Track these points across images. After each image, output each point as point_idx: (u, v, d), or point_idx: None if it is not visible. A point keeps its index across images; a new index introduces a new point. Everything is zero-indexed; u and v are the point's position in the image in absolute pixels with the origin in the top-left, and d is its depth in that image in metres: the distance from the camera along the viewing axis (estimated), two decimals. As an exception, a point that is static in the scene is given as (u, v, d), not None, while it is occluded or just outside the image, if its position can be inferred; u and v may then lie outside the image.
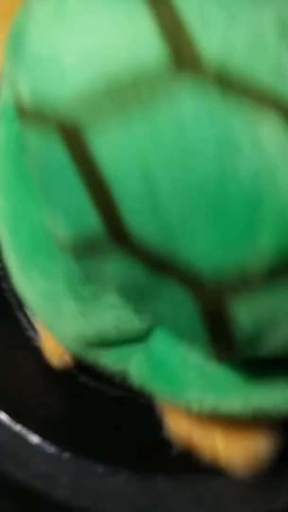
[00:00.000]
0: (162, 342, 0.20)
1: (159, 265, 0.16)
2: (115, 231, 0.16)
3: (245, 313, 0.17)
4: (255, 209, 0.15)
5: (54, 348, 0.25)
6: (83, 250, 0.18)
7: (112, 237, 0.17)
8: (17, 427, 0.25)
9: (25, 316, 0.28)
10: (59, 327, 0.21)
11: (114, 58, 0.15)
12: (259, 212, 0.15)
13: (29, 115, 0.17)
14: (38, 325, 0.26)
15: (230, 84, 0.15)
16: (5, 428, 0.25)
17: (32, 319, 0.28)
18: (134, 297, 0.19)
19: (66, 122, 0.16)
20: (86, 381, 0.27)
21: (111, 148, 0.15)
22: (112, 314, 0.20)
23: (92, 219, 0.17)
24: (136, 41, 0.15)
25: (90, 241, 0.17)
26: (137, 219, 0.16)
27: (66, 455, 0.25)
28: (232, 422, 0.21)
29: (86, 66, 0.15)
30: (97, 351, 0.21)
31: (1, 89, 0.21)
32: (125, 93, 0.15)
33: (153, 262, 0.16)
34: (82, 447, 0.25)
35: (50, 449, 0.25)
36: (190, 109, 0.15)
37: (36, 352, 0.26)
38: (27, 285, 0.21)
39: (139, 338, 0.21)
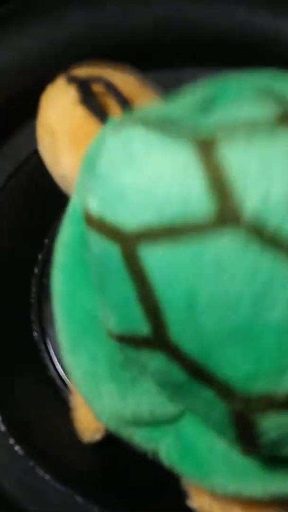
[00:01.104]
0: (191, 427, 0.22)
1: (196, 371, 0.19)
2: (159, 335, 0.19)
3: (270, 422, 0.19)
4: (283, 349, 0.18)
5: (88, 423, 0.27)
6: (128, 343, 0.21)
7: (155, 339, 0.19)
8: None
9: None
10: (97, 405, 0.23)
11: (169, 201, 0.18)
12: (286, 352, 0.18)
13: (94, 223, 0.20)
14: (74, 400, 0.28)
15: (267, 238, 0.17)
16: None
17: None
18: (170, 390, 0.21)
19: (123, 238, 0.19)
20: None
21: (159, 263, 0.18)
22: (147, 399, 0.22)
23: (139, 321, 0.19)
24: (188, 191, 0.17)
25: (135, 338, 0.20)
26: (177, 329, 0.18)
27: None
28: (251, 503, 0.23)
29: (146, 203, 0.18)
30: (131, 429, 0.23)
31: (72, 197, 0.24)
32: (176, 229, 0.18)
33: (190, 368, 0.19)
34: (86, 485, 0.27)
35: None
36: (230, 254, 0.17)
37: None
38: (73, 363, 0.23)
39: (170, 421, 0.22)
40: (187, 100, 0.22)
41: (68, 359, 0.23)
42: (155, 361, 0.20)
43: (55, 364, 0.31)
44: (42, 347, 0.31)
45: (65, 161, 0.27)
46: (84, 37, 0.34)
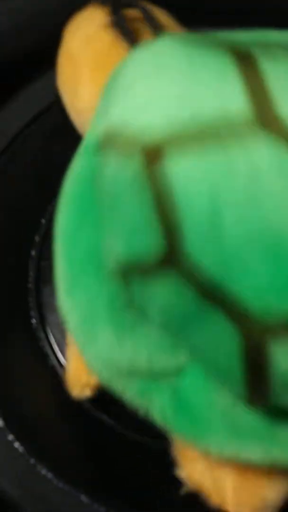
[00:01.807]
0: (190, 382, 0.20)
1: (209, 293, 0.17)
2: (173, 252, 0.17)
3: (284, 358, 0.17)
4: None
5: (79, 376, 0.25)
6: (134, 272, 0.19)
7: (168, 258, 0.17)
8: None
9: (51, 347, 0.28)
10: (92, 350, 0.21)
11: (203, 102, 0.17)
12: None
13: (112, 138, 0.18)
14: (68, 352, 0.26)
15: None
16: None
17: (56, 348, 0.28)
18: (176, 327, 0.19)
19: (149, 145, 0.17)
20: (102, 418, 0.27)
21: (185, 172, 0.17)
22: (146, 346, 0.20)
23: (153, 237, 0.17)
24: (224, 94, 0.17)
25: (144, 261, 0.18)
26: (197, 244, 0.17)
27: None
28: (246, 469, 0.21)
29: (178, 106, 0.17)
30: (125, 381, 0.21)
31: (87, 132, 0.23)
32: (208, 131, 0.17)
33: (204, 289, 0.17)
34: (89, 484, 0.25)
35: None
36: (265, 161, 0.16)
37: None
38: (70, 304, 0.21)
39: (169, 374, 0.21)
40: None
41: (64, 300, 0.22)
42: (163, 289, 0.18)
43: (56, 353, 0.28)
44: (42, 335, 0.29)
45: (85, 91, 0.25)
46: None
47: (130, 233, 0.18)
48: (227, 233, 0.17)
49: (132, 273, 0.19)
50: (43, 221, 0.31)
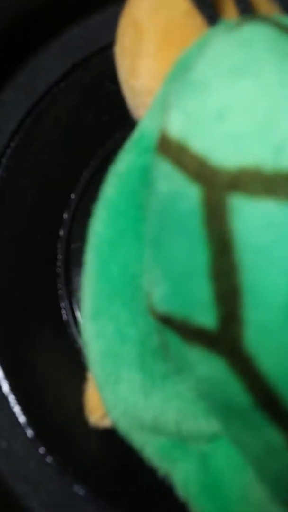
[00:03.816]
0: (225, 457, 0.17)
1: (268, 398, 0.14)
2: (227, 333, 0.14)
3: None
4: None
5: (99, 402, 0.21)
6: (175, 329, 0.15)
7: (220, 337, 0.14)
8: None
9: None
10: (112, 393, 0.18)
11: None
12: None
13: (170, 148, 0.14)
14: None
15: None
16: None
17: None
18: (217, 410, 0.16)
19: (211, 178, 0.13)
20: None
21: (258, 226, 0.13)
22: (177, 405, 0.17)
23: (202, 304, 0.14)
24: None
25: (188, 326, 0.15)
26: (260, 332, 0.13)
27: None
28: None
29: (260, 132, 0.13)
30: (146, 436, 0.18)
31: (142, 120, 0.19)
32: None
33: (260, 391, 0.14)
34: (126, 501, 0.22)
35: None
36: None
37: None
38: (94, 331, 0.18)
39: (198, 439, 0.17)
40: None
41: (88, 325, 0.18)
42: (209, 366, 0.15)
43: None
44: (73, 329, 0.25)
45: (147, 67, 0.20)
46: None
47: (178, 280, 0.15)
48: None
49: (172, 325, 0.15)
50: (72, 196, 0.27)
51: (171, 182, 0.14)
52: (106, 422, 0.21)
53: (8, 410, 0.23)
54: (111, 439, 0.23)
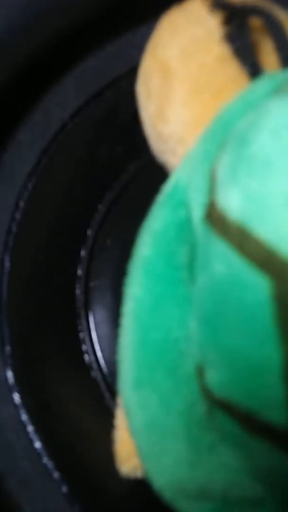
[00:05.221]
0: None
1: None
2: None
3: None
4: None
5: (131, 452, 0.21)
6: (233, 417, 0.15)
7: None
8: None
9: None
10: (155, 465, 0.18)
11: None
12: None
13: (229, 230, 0.14)
14: (118, 415, 0.22)
15: None
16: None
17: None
18: (267, 481, 0.16)
19: (282, 271, 0.13)
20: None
21: None
22: (224, 476, 0.17)
23: (271, 402, 0.14)
24: None
25: (251, 419, 0.14)
26: None
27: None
28: None
29: None
30: (191, 502, 0.18)
31: (176, 171, 0.18)
32: None
33: None
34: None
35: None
36: None
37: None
38: (136, 401, 0.18)
39: (245, 504, 0.17)
40: None
41: (129, 395, 0.18)
42: (272, 457, 0.14)
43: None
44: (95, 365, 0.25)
45: (176, 113, 0.20)
46: None
47: (243, 373, 0.14)
48: None
49: (233, 413, 0.15)
50: (89, 232, 0.26)
51: (231, 266, 0.14)
52: (138, 473, 0.21)
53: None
54: (144, 490, 0.23)
